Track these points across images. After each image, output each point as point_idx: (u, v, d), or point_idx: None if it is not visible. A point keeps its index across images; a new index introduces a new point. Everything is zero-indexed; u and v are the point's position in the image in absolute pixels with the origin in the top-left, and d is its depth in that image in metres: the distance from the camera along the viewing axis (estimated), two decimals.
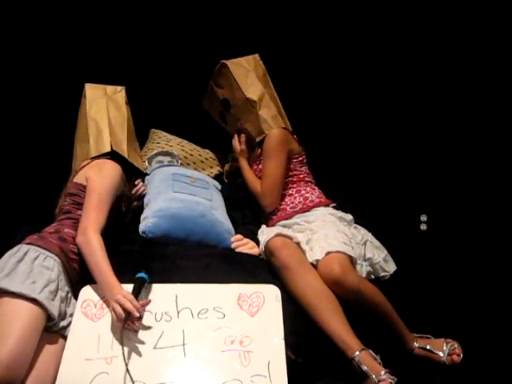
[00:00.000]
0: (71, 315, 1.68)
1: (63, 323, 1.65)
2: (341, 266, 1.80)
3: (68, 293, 1.72)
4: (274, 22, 2.83)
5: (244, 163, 2.40)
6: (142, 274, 1.67)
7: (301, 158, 2.35)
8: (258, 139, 2.36)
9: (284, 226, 2.13)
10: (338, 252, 1.85)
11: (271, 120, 2.34)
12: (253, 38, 2.75)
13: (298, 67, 2.87)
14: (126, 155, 2.13)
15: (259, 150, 2.37)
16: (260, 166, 2.34)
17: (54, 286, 1.64)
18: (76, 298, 1.72)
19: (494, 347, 1.91)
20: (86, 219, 1.77)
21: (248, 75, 2.41)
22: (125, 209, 2.06)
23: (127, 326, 1.58)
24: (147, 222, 2.01)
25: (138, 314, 1.56)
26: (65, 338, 1.64)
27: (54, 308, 1.60)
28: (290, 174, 2.29)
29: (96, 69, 2.74)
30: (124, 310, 1.56)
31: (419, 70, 2.76)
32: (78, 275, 1.76)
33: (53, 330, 1.63)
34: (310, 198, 2.22)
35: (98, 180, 1.89)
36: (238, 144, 2.43)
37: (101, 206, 1.81)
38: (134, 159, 2.21)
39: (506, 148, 2.61)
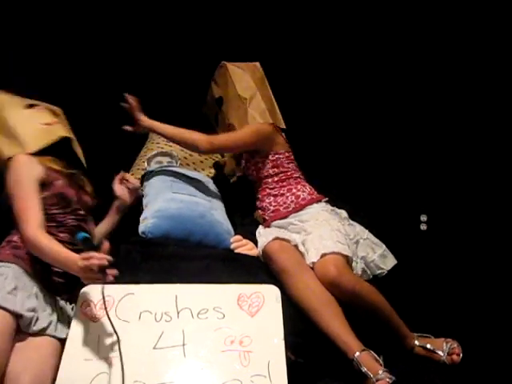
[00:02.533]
0: (51, 314, 1.69)
1: (42, 324, 1.65)
2: (336, 267, 1.80)
3: (37, 292, 1.71)
4: (271, 26, 2.84)
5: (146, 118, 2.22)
6: (82, 234, 1.58)
7: (287, 155, 2.34)
8: None
9: (279, 227, 2.13)
10: (333, 253, 1.85)
11: (259, 115, 2.34)
12: (252, 40, 2.76)
13: (293, 64, 2.88)
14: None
15: None
16: (254, 166, 2.33)
17: (12, 286, 1.63)
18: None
19: (494, 347, 1.91)
20: (20, 228, 1.72)
21: (244, 76, 2.44)
22: (76, 194, 1.93)
23: (108, 279, 1.51)
24: (147, 222, 2.01)
25: (108, 260, 1.48)
26: (59, 339, 1.65)
27: (17, 305, 1.59)
28: (277, 171, 2.28)
29: (96, 69, 2.75)
30: (96, 268, 1.48)
31: (418, 69, 2.76)
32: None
33: (32, 330, 1.63)
34: (302, 196, 2.20)
35: (9, 183, 1.81)
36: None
37: (24, 206, 1.75)
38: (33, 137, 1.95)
39: (506, 148, 2.61)
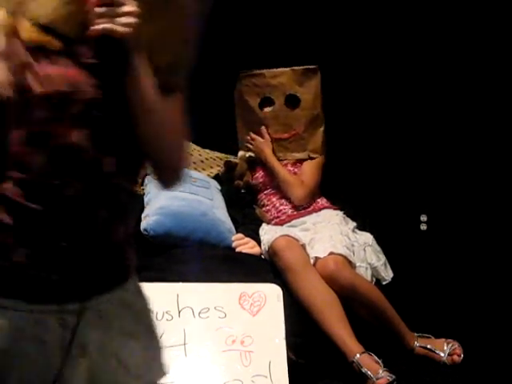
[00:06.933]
0: None
1: None
2: (336, 263, 1.83)
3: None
4: (268, 30, 2.82)
5: (271, 154, 2.38)
6: None
7: None
8: (301, 156, 2.41)
9: (291, 226, 2.16)
10: (340, 255, 1.87)
11: (322, 146, 2.44)
12: (254, 44, 2.75)
13: None
14: None
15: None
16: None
17: None
18: None
19: (494, 347, 1.91)
20: None
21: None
22: None
23: None
24: (149, 219, 2.00)
25: None
26: None
27: None
28: None
29: None
30: None
31: (418, 71, 2.75)
32: None
33: None
34: (321, 202, 2.29)
35: None
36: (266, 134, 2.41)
37: None
38: None
39: (506, 148, 2.61)
